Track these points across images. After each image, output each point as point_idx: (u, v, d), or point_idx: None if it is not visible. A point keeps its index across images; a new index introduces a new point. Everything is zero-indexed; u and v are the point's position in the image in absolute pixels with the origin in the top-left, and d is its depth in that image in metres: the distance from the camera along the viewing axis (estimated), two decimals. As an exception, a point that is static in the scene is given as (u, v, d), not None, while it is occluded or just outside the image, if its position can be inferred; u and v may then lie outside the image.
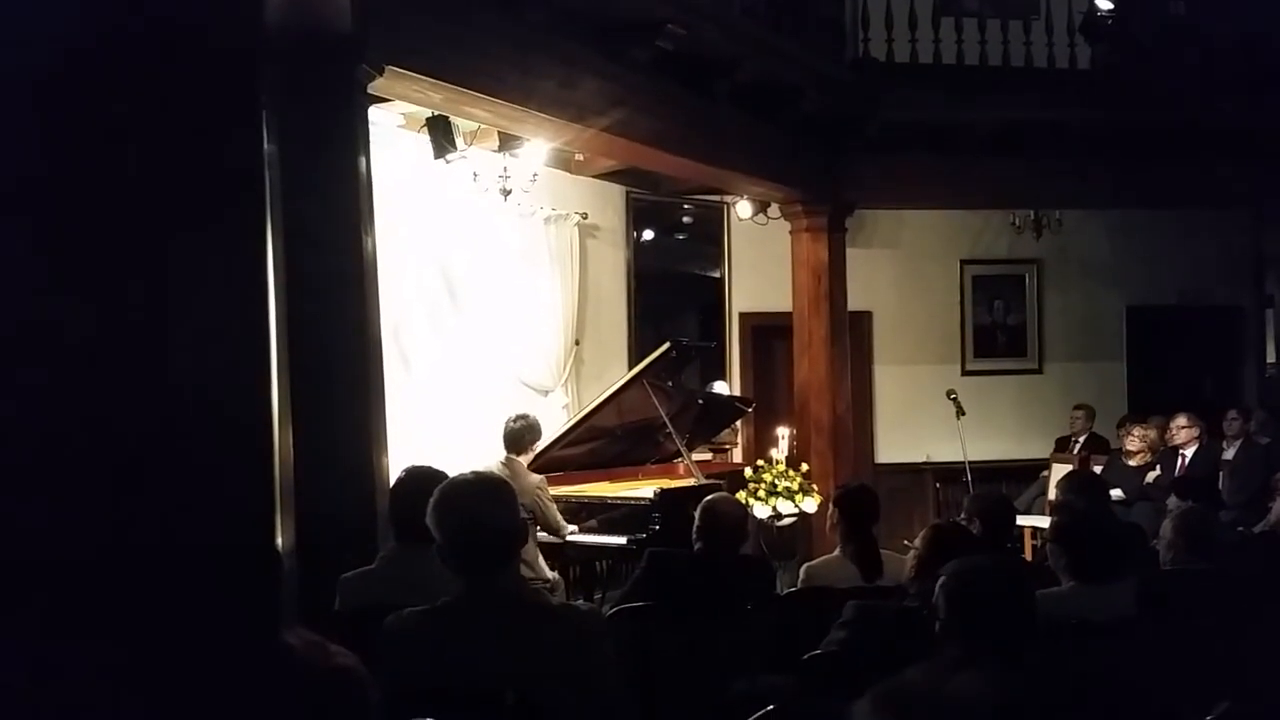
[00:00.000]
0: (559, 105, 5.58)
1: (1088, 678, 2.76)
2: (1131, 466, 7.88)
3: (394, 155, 6.25)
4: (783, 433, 7.88)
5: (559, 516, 6.08)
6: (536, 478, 6.00)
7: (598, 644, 2.45)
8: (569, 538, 6.20)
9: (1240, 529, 6.83)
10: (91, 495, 1.05)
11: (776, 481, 7.29)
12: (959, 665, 1.25)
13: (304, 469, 3.72)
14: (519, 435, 5.98)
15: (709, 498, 4.28)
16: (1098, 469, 7.69)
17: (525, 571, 5.07)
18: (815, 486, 7.47)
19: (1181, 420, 7.85)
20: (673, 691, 3.45)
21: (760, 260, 9.08)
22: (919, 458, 9.48)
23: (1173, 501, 6.32)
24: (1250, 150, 8.34)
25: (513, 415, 6.05)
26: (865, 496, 4.32)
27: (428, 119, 5.97)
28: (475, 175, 6.87)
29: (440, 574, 2.51)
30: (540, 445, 6.24)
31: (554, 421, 7.24)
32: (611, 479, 6.93)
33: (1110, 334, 10.17)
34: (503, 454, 5.99)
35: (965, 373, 9.79)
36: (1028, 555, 7.45)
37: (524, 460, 6.01)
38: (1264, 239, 10.54)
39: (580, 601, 6.22)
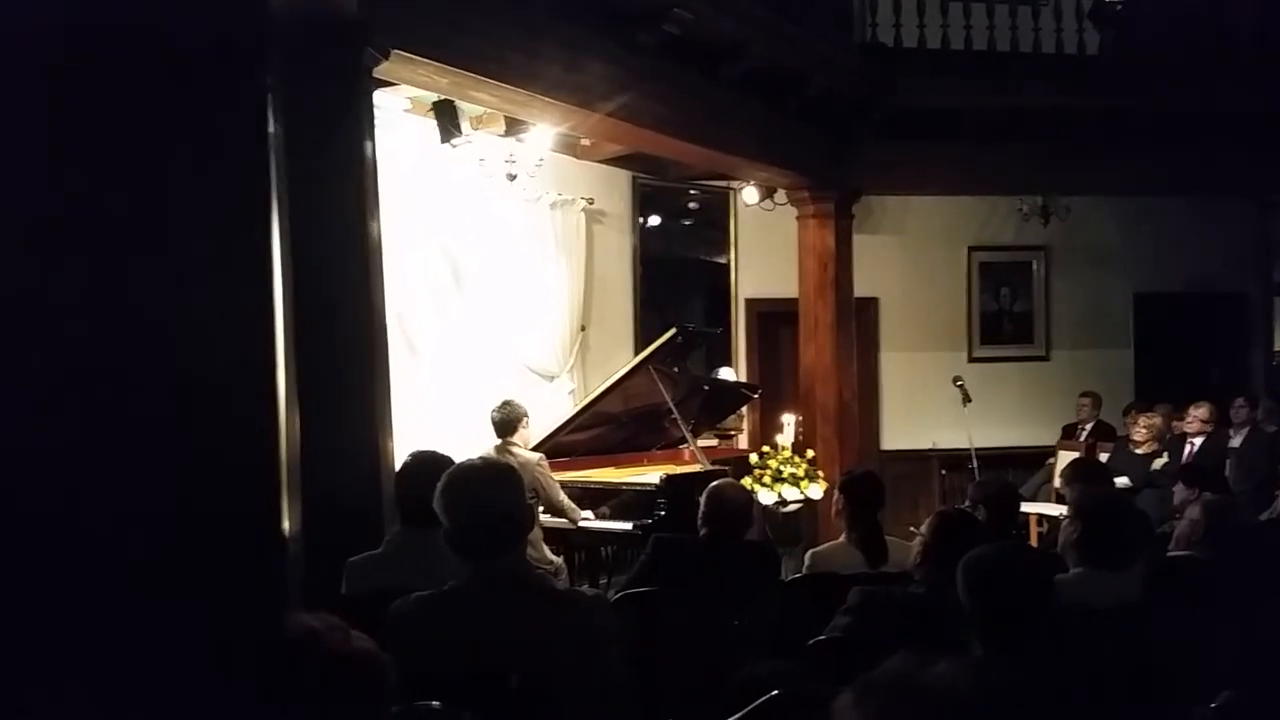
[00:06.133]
0: (565, 90, 5.57)
1: (1088, 664, 2.76)
2: (1138, 454, 7.87)
3: (400, 139, 6.24)
4: (788, 419, 7.88)
5: (563, 495, 6.09)
6: (534, 456, 6.00)
7: (602, 629, 2.46)
8: (582, 524, 6.20)
9: (1247, 517, 6.81)
10: (99, 478, 1.06)
11: (782, 468, 7.29)
12: (939, 653, 1.24)
13: (310, 453, 3.71)
14: (506, 420, 5.99)
15: (714, 483, 4.28)
16: (1104, 456, 7.69)
17: (529, 553, 5.09)
18: (821, 473, 7.47)
19: (1202, 411, 7.78)
20: (677, 676, 3.46)
21: (766, 246, 9.06)
22: (925, 444, 9.48)
23: (1179, 489, 6.30)
24: (1259, 137, 8.29)
25: (495, 405, 6.05)
26: (870, 483, 4.31)
27: (434, 103, 5.96)
28: (481, 160, 6.86)
29: (447, 558, 2.52)
30: (535, 425, 6.24)
31: (559, 407, 7.25)
32: (617, 465, 6.94)
33: (1117, 321, 10.15)
34: (497, 441, 6.00)
35: (972, 359, 9.78)
36: (1033, 542, 7.45)
37: (520, 442, 6.01)
38: (1272, 226, 10.50)
39: (585, 587, 6.23)
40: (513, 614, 2.39)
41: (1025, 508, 6.95)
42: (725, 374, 8.15)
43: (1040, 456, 8.72)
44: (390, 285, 4.60)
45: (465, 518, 2.44)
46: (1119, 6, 8.32)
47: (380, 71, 4.54)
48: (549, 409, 7.12)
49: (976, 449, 8.46)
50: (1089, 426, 8.87)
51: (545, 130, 6.61)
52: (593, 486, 6.47)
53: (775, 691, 2.39)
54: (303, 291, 3.70)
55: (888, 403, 9.75)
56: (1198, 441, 7.78)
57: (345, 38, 4.23)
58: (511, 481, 2.53)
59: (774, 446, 7.47)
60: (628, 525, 6.17)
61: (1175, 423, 8.08)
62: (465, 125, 6.10)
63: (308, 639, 1.53)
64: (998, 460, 8.77)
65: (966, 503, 4.48)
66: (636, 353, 7.44)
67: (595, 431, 6.85)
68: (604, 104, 5.83)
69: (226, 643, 1.11)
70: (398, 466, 3.81)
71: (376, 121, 4.51)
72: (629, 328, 8.56)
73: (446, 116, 5.98)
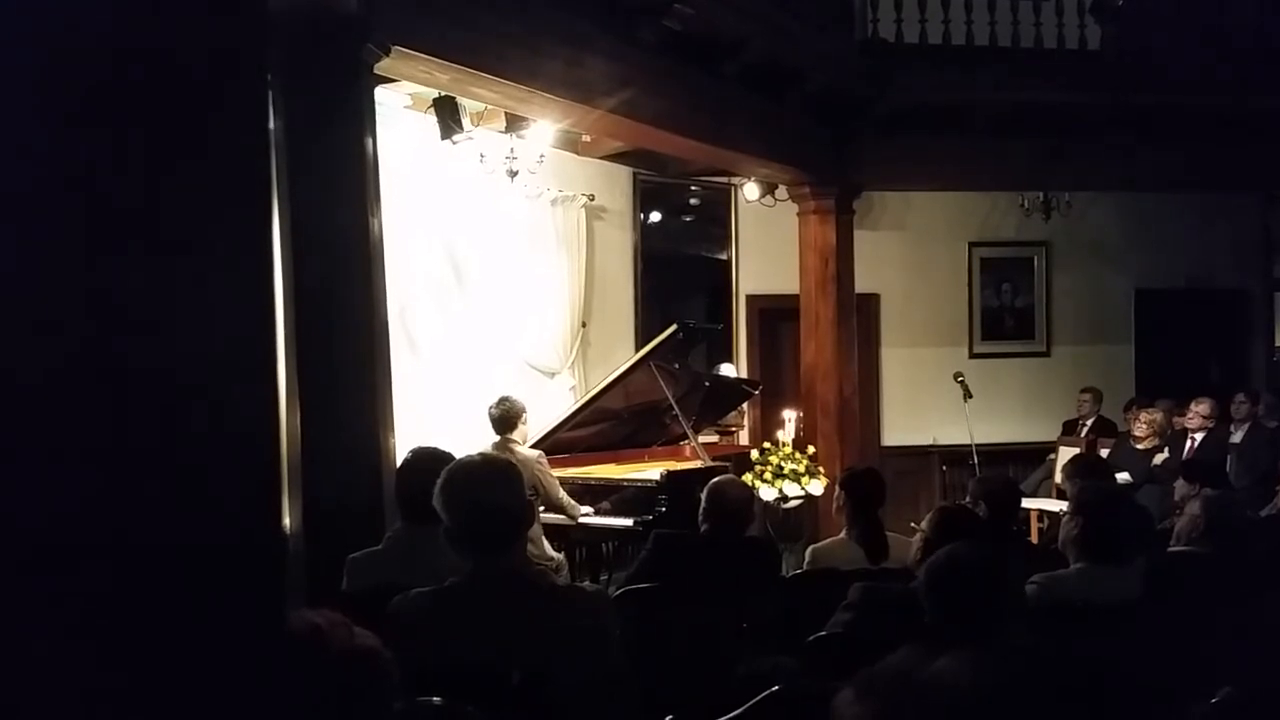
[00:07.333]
0: (566, 86, 5.56)
1: (1087, 661, 2.76)
2: (1139, 450, 7.87)
3: (400, 136, 6.24)
4: (789, 415, 7.88)
5: (562, 491, 6.08)
6: (534, 453, 5.99)
7: (603, 625, 2.46)
8: (582, 520, 6.20)
9: (1247, 512, 6.80)
10: (94, 477, 1.06)
11: (783, 464, 7.30)
12: (939, 649, 1.24)
13: (311, 450, 3.72)
14: (505, 417, 5.97)
15: (715, 480, 4.29)
16: (1105, 452, 7.69)
17: (530, 549, 5.09)
18: (821, 469, 7.47)
19: (1203, 407, 7.78)
20: (678, 672, 3.46)
21: (767, 242, 9.06)
22: (926, 440, 9.49)
23: (1180, 485, 6.30)
24: (1260, 133, 8.29)
25: (492, 403, 6.03)
26: (871, 479, 4.32)
27: (434, 100, 5.96)
28: (482, 156, 6.86)
29: (447, 555, 2.52)
30: (536, 422, 6.24)
31: (560, 404, 7.25)
32: (618, 461, 6.94)
33: (1118, 317, 10.15)
34: (495, 438, 5.99)
35: (973, 355, 9.78)
36: (1034, 538, 7.46)
37: (519, 438, 6.00)
38: (1273, 223, 10.50)
39: (586, 583, 6.24)
40: (513, 610, 2.39)
41: (1026, 503, 6.95)
42: (726, 370, 8.16)
43: (1041, 452, 8.73)
44: (391, 282, 4.60)
45: (465, 514, 2.44)
46: (1120, 2, 8.30)
47: (381, 68, 4.54)
48: (550, 405, 7.12)
49: (977, 445, 8.47)
50: (1090, 422, 8.87)
51: (546, 127, 6.61)
52: (593, 483, 6.47)
53: (776, 687, 2.39)
54: (304, 289, 3.71)
55: (888, 399, 9.75)
56: (1199, 437, 7.78)
57: (345, 34, 4.22)
58: (511, 478, 2.53)
59: (775, 443, 7.48)
60: (628, 521, 6.17)
61: (1176, 418, 8.08)
62: (466, 122, 6.10)
63: (311, 636, 1.54)
64: (998, 456, 8.79)
65: (967, 498, 4.49)
66: (637, 349, 7.44)
67: (596, 428, 6.85)
68: (605, 100, 5.83)
69: (228, 640, 1.11)
70: (398, 463, 3.81)
71: (377, 118, 4.51)
72: (630, 324, 8.56)
73: (447, 113, 5.97)
